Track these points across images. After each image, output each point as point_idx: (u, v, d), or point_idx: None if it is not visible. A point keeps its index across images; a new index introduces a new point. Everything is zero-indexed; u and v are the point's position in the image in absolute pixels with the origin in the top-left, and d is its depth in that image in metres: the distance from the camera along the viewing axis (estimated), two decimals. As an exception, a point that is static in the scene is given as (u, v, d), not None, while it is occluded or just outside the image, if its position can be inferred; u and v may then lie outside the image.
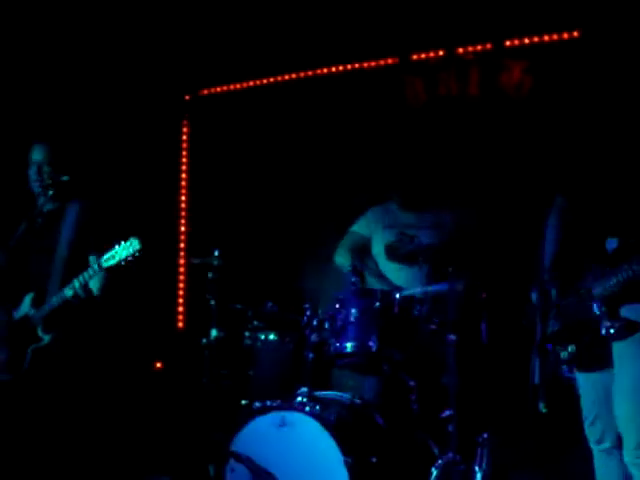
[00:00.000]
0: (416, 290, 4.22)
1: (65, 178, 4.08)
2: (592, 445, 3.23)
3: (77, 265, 3.93)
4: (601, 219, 3.07)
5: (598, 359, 3.07)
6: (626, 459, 3.01)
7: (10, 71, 5.15)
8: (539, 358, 2.84)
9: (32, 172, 4.11)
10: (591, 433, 3.21)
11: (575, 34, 4.96)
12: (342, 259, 4.71)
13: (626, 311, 2.92)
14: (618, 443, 3.11)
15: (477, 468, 3.83)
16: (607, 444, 3.16)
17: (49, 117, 5.23)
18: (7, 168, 4.87)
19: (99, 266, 3.82)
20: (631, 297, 2.91)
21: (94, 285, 3.96)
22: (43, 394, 3.88)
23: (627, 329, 2.91)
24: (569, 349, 3.08)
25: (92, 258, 3.90)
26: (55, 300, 3.92)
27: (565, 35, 5.00)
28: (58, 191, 4.08)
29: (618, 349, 2.99)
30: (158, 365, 5.78)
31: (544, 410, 2.91)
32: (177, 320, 6.03)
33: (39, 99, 5.27)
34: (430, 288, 4.22)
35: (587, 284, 3.02)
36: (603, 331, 2.93)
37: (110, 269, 3.84)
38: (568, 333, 3.08)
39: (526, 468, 3.98)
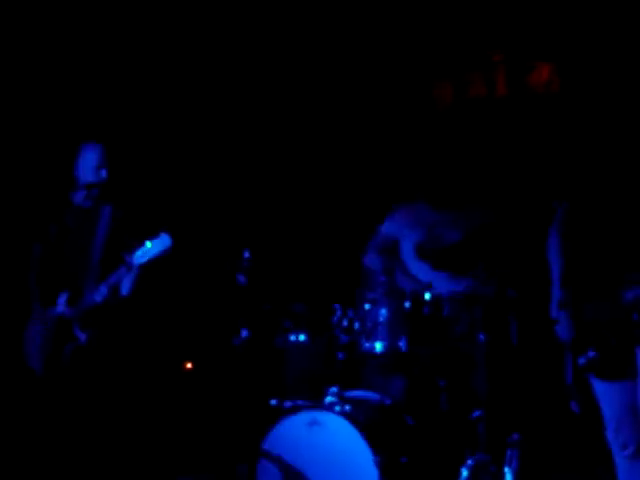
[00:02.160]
0: (446, 289, 4.22)
1: (105, 176, 4.12)
2: (615, 451, 3.16)
3: (111, 265, 3.97)
4: (635, 225, 3.04)
5: (621, 367, 3.03)
6: None
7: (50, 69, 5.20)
8: (572, 357, 2.83)
9: (83, 171, 4.14)
10: (614, 438, 3.14)
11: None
12: (372, 260, 4.71)
13: None
14: None
15: (507, 469, 3.82)
16: (631, 449, 3.10)
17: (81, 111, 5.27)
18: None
19: (131, 264, 3.85)
20: None
21: (125, 285, 4.00)
22: (82, 392, 3.93)
23: None
24: (589, 354, 3.05)
25: (125, 257, 3.94)
26: (90, 299, 3.97)
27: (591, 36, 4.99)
28: (100, 191, 4.12)
29: None
30: (188, 365, 5.81)
31: (577, 411, 2.90)
32: (208, 320, 6.05)
33: (78, 95, 5.30)
34: (460, 288, 4.22)
35: (620, 290, 3.00)
36: (636, 337, 2.93)
37: (142, 266, 3.87)
38: (592, 337, 3.06)
39: (558, 470, 3.96)
